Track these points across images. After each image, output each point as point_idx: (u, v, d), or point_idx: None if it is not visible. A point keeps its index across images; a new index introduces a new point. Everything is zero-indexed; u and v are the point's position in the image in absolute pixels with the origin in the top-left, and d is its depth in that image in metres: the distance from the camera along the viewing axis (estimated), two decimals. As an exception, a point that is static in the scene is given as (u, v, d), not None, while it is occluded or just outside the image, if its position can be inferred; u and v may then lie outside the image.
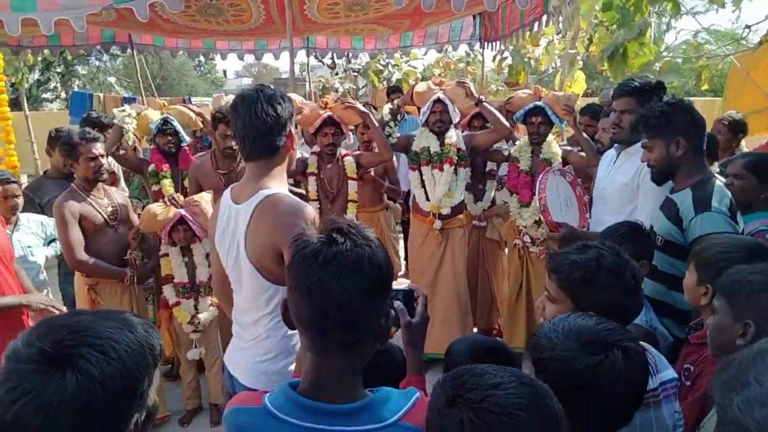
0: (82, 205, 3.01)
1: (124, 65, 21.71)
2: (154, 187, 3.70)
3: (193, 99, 11.74)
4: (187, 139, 3.87)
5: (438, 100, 3.70)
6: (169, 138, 3.68)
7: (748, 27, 4.16)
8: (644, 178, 2.50)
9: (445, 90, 3.74)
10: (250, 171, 1.74)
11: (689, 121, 2.18)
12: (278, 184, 1.73)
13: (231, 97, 4.31)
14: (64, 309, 2.67)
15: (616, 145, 2.77)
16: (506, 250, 4.28)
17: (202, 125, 4.01)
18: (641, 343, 1.20)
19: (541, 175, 3.01)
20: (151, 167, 3.71)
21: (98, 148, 3.04)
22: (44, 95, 20.48)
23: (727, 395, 0.75)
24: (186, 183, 3.72)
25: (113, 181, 4.00)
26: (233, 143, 3.37)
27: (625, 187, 2.59)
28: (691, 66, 4.66)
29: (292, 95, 4.17)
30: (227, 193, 1.82)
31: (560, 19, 4.73)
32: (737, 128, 3.60)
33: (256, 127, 1.66)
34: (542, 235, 3.81)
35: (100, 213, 3.07)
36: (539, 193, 2.90)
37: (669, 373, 1.45)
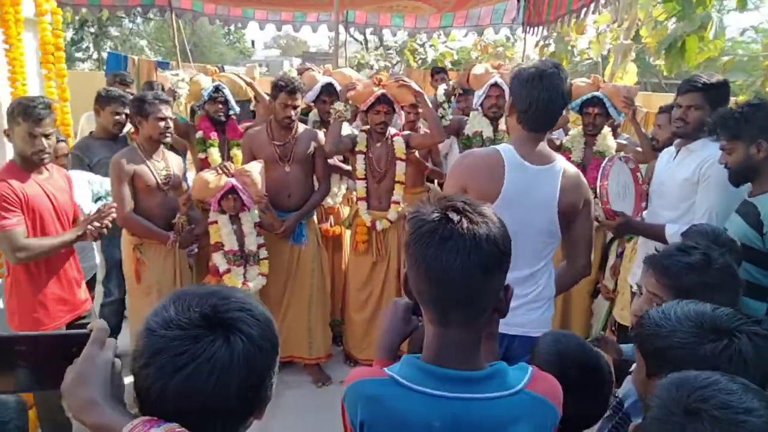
0: (138, 165, 3.05)
1: (156, 29, 21.69)
2: (201, 155, 3.69)
3: (226, 68, 11.74)
4: (236, 108, 3.85)
5: (495, 84, 3.63)
6: (220, 106, 3.66)
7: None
8: (705, 174, 2.47)
9: (503, 74, 3.66)
10: (532, 138, 1.94)
11: None
12: None
13: (262, 69, 4.29)
14: (114, 206, 2.74)
15: (676, 141, 2.71)
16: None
17: (252, 94, 3.98)
18: None
19: (605, 161, 2.95)
20: (199, 134, 3.69)
21: (168, 110, 3.06)
22: (77, 54, 20.56)
23: None
24: (232, 152, 3.70)
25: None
26: (293, 113, 3.34)
27: (685, 183, 2.56)
28: (755, 65, 4.52)
29: (347, 70, 4.13)
30: (512, 153, 1.92)
31: (618, 7, 4.60)
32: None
33: (556, 103, 1.88)
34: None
35: (154, 175, 3.09)
36: (601, 179, 2.83)
37: None
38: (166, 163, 3.17)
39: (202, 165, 3.63)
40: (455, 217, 0.99)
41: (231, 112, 3.75)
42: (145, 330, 0.83)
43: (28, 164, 2.51)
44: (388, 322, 1.28)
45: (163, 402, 0.80)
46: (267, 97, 3.80)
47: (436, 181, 4.67)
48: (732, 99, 2.78)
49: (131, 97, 3.22)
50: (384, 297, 3.64)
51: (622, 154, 3.28)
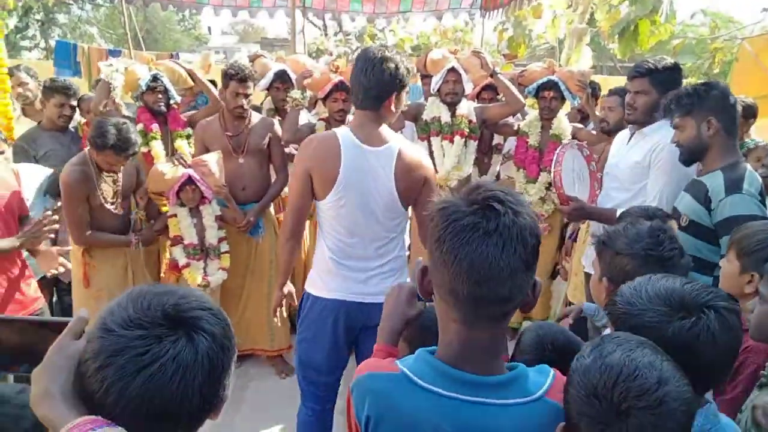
0: (90, 185, 2.91)
1: (107, 16, 20.92)
2: (143, 149, 3.48)
3: (181, 55, 11.40)
4: (177, 97, 3.71)
5: (452, 69, 3.62)
6: (159, 96, 3.49)
7: (765, 9, 4.14)
8: (656, 157, 2.52)
9: (460, 59, 3.66)
10: (369, 119, 2.06)
11: (722, 102, 2.16)
12: None
13: (219, 56, 4.19)
14: (56, 219, 2.48)
15: (630, 125, 2.77)
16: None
17: (192, 83, 3.85)
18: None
19: (559, 148, 2.99)
20: (139, 127, 3.50)
21: (128, 156, 2.91)
22: (22, 43, 19.66)
23: None
24: (176, 144, 3.57)
25: None
26: (244, 102, 3.26)
27: (637, 165, 2.61)
28: (704, 47, 4.64)
29: (301, 57, 4.07)
30: (348, 135, 2.05)
31: (573, -9, 4.65)
32: (749, 113, 3.60)
33: (381, 84, 2.00)
34: (547, 211, 3.81)
35: (103, 195, 2.97)
36: (555, 165, 2.88)
37: None
38: (117, 175, 3.02)
39: (145, 159, 3.47)
40: (500, 209, 0.92)
41: (172, 102, 3.60)
42: (101, 329, 0.81)
43: None
44: (392, 306, 1.26)
45: (121, 404, 0.78)
46: (210, 86, 3.70)
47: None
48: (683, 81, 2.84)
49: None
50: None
51: (575, 141, 3.34)
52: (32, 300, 2.69)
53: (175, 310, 0.82)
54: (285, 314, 3.66)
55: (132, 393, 0.77)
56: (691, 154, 2.25)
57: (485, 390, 0.96)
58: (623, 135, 2.84)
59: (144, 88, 3.49)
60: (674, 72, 2.56)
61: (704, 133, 2.17)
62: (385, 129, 2.10)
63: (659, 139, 2.50)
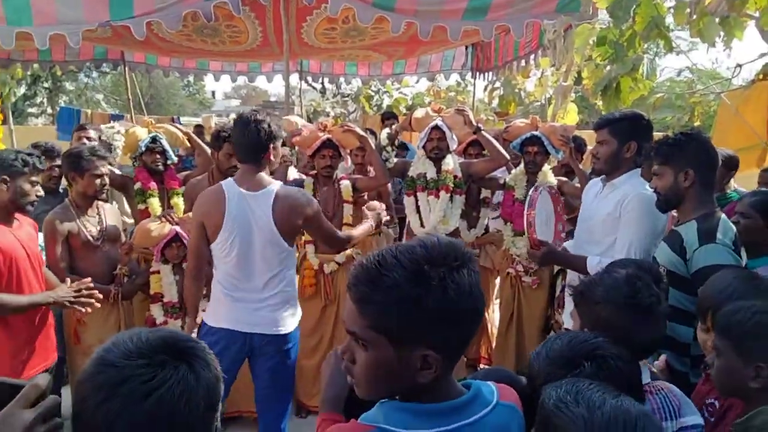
0: (72, 224, 2.99)
1: (113, 82, 21.61)
2: (140, 206, 3.62)
3: (181, 119, 11.72)
4: (174, 158, 3.82)
5: (436, 127, 3.71)
6: (158, 156, 3.63)
7: (739, 66, 4.28)
8: (626, 208, 2.52)
9: (444, 117, 3.75)
10: (248, 170, 2.48)
11: (701, 154, 2.17)
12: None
13: (219, 119, 4.33)
14: (92, 286, 2.65)
15: (601, 176, 2.78)
16: (498, 278, 4.26)
17: (189, 144, 3.97)
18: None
19: (531, 190, 2.99)
20: (137, 185, 3.63)
21: (105, 167, 3.07)
22: (30, 110, 20.22)
23: None
24: (173, 201, 3.66)
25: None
26: (237, 162, 3.35)
27: (608, 217, 2.59)
28: (682, 104, 4.77)
29: (293, 117, 4.18)
30: (231, 185, 2.47)
31: (556, 52, 4.81)
32: (731, 165, 3.64)
33: (253, 140, 2.43)
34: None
35: (88, 232, 3.03)
36: (528, 208, 2.87)
37: (693, 418, 1.42)
38: (100, 217, 3.11)
39: (142, 216, 3.55)
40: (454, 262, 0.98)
41: (169, 162, 3.73)
42: (99, 365, 0.82)
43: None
44: (331, 373, 1.22)
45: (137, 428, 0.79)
46: (207, 148, 3.80)
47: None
48: (663, 133, 2.88)
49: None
50: (335, 341, 3.57)
51: (547, 184, 3.35)
52: (53, 351, 2.70)
53: (173, 340, 0.86)
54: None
55: (140, 418, 0.79)
56: (667, 202, 2.26)
57: (458, 413, 0.99)
58: (595, 187, 2.83)
59: (143, 148, 3.61)
60: (633, 121, 2.59)
61: (681, 183, 2.17)
62: (264, 177, 2.49)
63: (629, 189, 2.52)
